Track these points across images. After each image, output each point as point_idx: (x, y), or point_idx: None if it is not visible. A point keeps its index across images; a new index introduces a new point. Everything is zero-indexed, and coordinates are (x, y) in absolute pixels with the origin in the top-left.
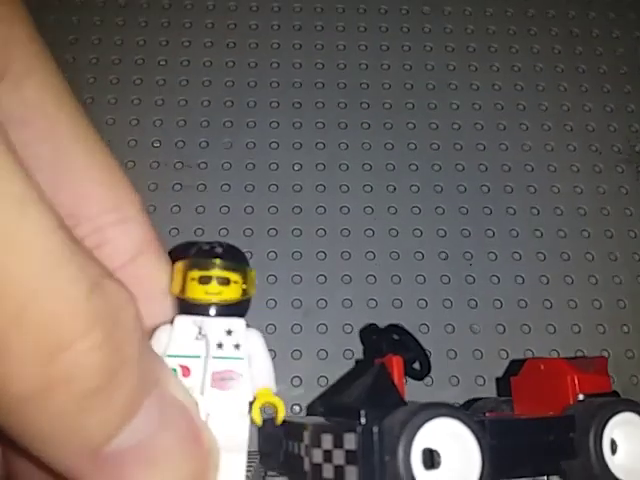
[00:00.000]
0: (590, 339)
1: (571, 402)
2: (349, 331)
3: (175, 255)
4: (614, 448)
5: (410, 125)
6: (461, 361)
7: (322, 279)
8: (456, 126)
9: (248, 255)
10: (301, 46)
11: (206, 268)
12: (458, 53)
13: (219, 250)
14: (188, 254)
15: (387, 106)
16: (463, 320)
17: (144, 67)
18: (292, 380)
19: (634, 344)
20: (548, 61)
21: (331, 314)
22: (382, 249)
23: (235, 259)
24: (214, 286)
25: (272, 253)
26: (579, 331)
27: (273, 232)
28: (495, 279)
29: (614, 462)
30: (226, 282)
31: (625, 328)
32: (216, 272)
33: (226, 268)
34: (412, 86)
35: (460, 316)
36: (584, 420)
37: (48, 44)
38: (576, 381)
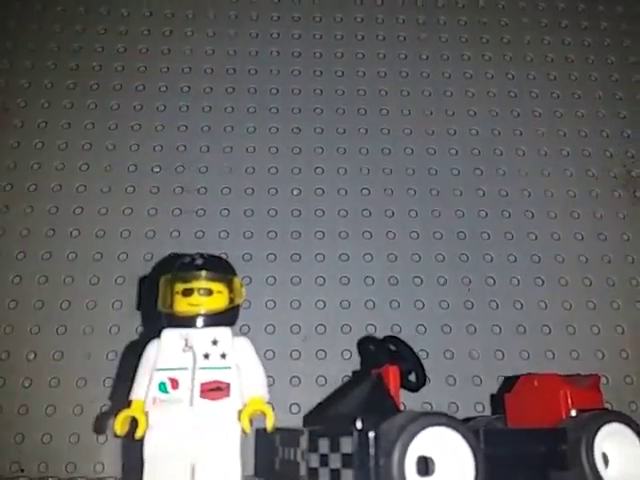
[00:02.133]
0: (588, 364)
1: (564, 417)
2: (348, 357)
3: (161, 266)
4: (606, 462)
5: (408, 150)
6: (460, 387)
7: (321, 304)
8: (453, 151)
9: (246, 281)
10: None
11: (187, 280)
12: (455, 78)
13: (199, 262)
14: (171, 268)
15: (385, 131)
16: (462, 345)
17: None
18: (290, 407)
19: (633, 370)
20: (544, 87)
21: (330, 340)
22: (380, 274)
23: (217, 269)
24: (196, 297)
25: (271, 278)
26: (577, 357)
27: (272, 257)
28: (494, 304)
29: (607, 474)
30: (209, 293)
31: (624, 354)
32: (197, 284)
33: (207, 279)
34: (409, 112)
35: (459, 342)
36: (575, 432)
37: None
38: (569, 396)
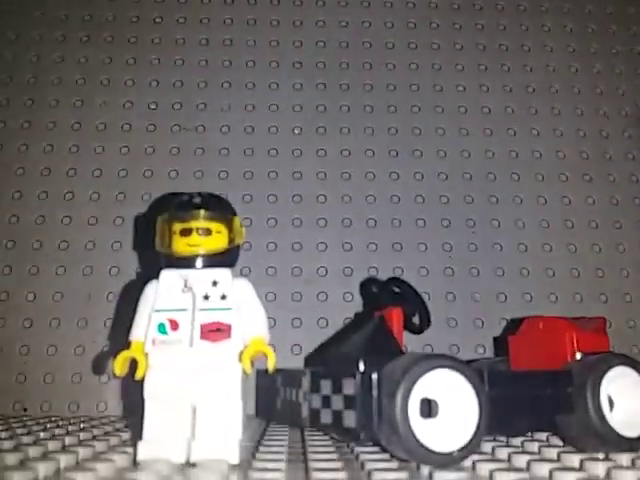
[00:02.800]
0: (591, 308)
1: (569, 360)
2: (349, 299)
3: (157, 208)
4: (611, 405)
5: (414, 87)
6: (461, 329)
7: (322, 247)
8: (460, 88)
9: (247, 222)
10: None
11: (185, 220)
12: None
13: (198, 200)
14: (169, 207)
15: (390, 66)
16: (465, 288)
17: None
18: (292, 348)
19: (636, 313)
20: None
21: (332, 282)
22: (383, 216)
23: (216, 209)
24: (195, 237)
25: (272, 220)
26: (581, 300)
27: (273, 198)
28: (498, 247)
29: (612, 417)
30: (208, 233)
31: (627, 297)
32: (195, 223)
33: (206, 218)
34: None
35: (462, 284)
36: (581, 375)
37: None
38: (575, 339)
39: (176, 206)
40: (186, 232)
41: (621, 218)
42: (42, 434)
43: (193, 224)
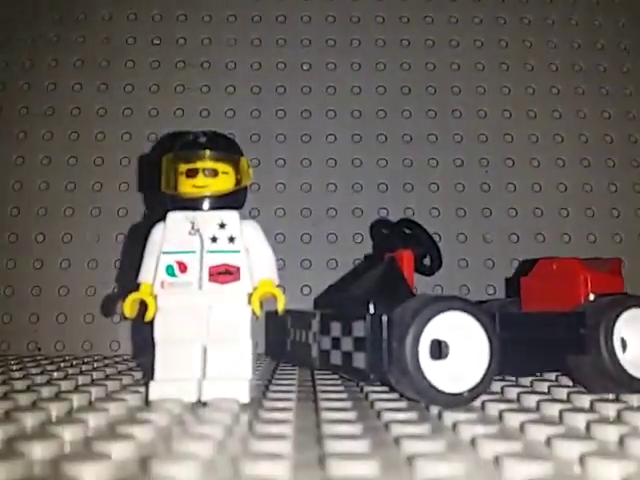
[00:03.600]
0: (605, 248)
1: (582, 301)
2: (359, 241)
3: (162, 148)
4: (624, 346)
5: (428, 19)
6: (472, 270)
7: (332, 187)
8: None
9: (254, 163)
10: None
11: (191, 160)
12: None
13: (203, 140)
14: (174, 146)
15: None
16: (476, 229)
17: None
18: (302, 289)
19: None
20: None
21: (341, 223)
22: (394, 156)
23: (222, 148)
24: (201, 178)
25: (280, 160)
26: (594, 240)
27: (281, 138)
28: (511, 187)
29: (625, 359)
30: (214, 173)
31: None
32: (201, 164)
33: (212, 159)
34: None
35: (473, 225)
36: (594, 316)
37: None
38: (589, 281)
39: (181, 146)
40: (192, 173)
41: (638, 156)
42: (55, 374)
43: (199, 164)
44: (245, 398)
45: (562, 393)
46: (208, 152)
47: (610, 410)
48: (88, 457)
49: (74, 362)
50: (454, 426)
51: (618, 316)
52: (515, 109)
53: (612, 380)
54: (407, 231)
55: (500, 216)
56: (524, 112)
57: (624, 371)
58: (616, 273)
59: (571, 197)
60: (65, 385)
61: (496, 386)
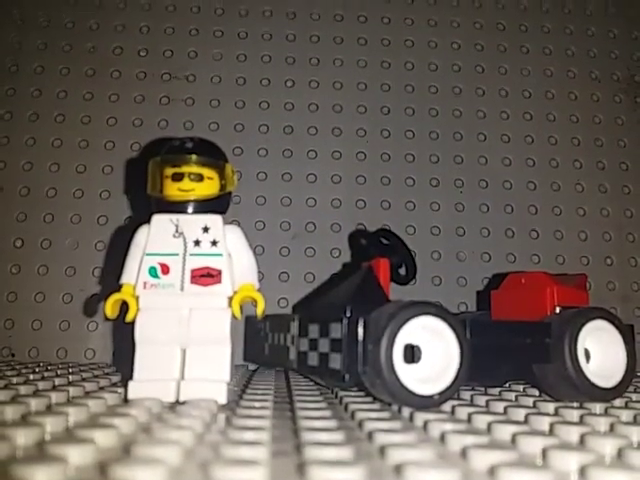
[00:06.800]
0: (573, 270)
1: (549, 313)
2: (337, 255)
3: (149, 152)
4: (588, 357)
5: (408, 43)
6: (445, 287)
7: (312, 202)
8: (455, 45)
9: (236, 176)
10: None
11: (177, 164)
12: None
13: (189, 145)
14: (160, 151)
15: (385, 20)
16: (450, 247)
17: None
18: (279, 301)
19: (616, 276)
20: None
21: (320, 238)
22: (373, 173)
23: (208, 154)
24: (187, 183)
25: (262, 174)
26: (563, 262)
27: (263, 152)
28: (485, 207)
29: (588, 368)
30: (199, 178)
31: (609, 260)
32: (187, 168)
33: (198, 163)
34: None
35: (447, 243)
36: (559, 327)
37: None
38: (555, 293)
39: (168, 150)
40: (178, 177)
41: (606, 182)
42: (32, 376)
43: (185, 169)
44: (223, 399)
45: (529, 401)
46: (194, 157)
47: (574, 416)
48: (72, 442)
49: (49, 367)
50: (425, 424)
51: (582, 327)
52: (489, 132)
53: (575, 388)
54: (384, 241)
55: (473, 235)
56: (498, 136)
57: (587, 380)
58: (582, 288)
59: (542, 219)
60: (43, 385)
61: (466, 395)
